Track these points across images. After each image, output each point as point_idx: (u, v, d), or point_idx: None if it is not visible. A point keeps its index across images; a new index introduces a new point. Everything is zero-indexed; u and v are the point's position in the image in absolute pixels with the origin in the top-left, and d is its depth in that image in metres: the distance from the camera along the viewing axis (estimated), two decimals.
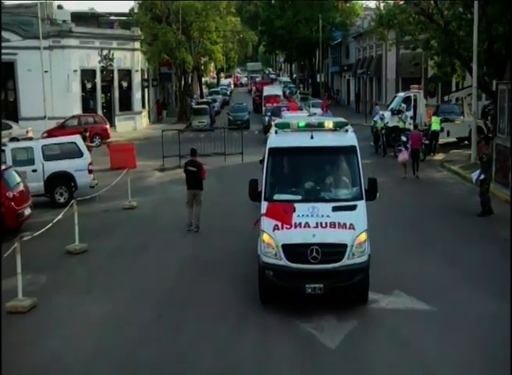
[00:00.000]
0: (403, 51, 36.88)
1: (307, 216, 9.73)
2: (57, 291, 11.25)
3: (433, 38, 27.45)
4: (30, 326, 9.79)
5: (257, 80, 76.36)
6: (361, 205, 10.12)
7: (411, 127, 25.57)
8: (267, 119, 33.71)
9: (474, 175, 16.56)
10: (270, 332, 9.31)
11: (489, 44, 24.45)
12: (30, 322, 9.93)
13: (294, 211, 9.74)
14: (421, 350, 8.64)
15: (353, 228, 9.65)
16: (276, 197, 10.33)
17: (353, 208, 10.03)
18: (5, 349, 8.58)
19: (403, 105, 28.84)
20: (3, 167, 15.36)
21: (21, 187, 15.33)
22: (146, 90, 46.04)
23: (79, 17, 42.55)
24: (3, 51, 35.27)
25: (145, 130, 41.56)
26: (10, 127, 31.77)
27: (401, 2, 28.66)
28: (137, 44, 43.19)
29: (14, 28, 35.75)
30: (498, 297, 10.23)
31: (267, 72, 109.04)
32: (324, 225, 9.63)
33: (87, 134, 26.77)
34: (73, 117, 34.35)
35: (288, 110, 29.48)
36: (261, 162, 13.28)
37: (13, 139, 27.64)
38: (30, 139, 25.41)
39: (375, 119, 29.88)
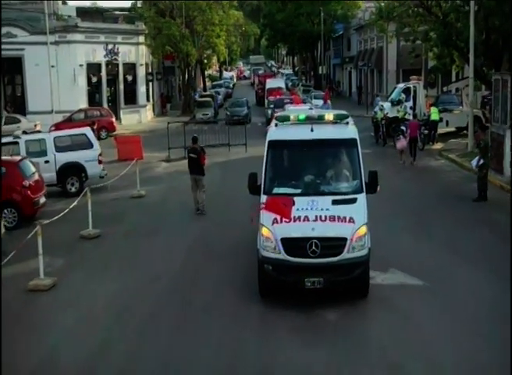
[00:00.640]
0: (404, 43, 37.39)
1: (307, 209, 9.65)
2: (74, 272, 12.02)
3: (432, 30, 28.03)
4: (51, 302, 10.57)
5: (260, 72, 76.84)
6: (361, 198, 10.03)
7: (411, 118, 26.20)
8: (270, 111, 34.01)
9: (474, 161, 17.18)
10: (273, 304, 9.96)
11: (487, 36, 25.06)
12: (51, 299, 10.71)
13: (293, 204, 9.64)
14: (413, 317, 9.43)
15: (353, 222, 9.56)
16: (276, 190, 10.25)
17: (353, 201, 9.95)
18: (29, 324, 9.37)
19: (402, 95, 29.38)
20: (19, 158, 16.14)
21: (36, 177, 16.09)
22: (150, 83, 46.68)
23: (84, 12, 43.21)
24: (11, 46, 36.16)
25: (150, 123, 42.26)
26: (19, 121, 32.54)
27: None
28: (142, 39, 43.83)
29: (21, 24, 36.45)
30: (489, 273, 11.04)
31: (269, 64, 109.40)
32: (323, 218, 9.53)
33: (95, 127, 27.45)
34: (80, 110, 35.06)
35: (291, 103, 30.01)
36: None
37: (22, 133, 28.32)
38: (39, 132, 26.12)
39: (375, 109, 30.52)
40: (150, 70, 46.89)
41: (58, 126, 31.69)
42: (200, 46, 47.96)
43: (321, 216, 9.57)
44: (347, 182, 10.61)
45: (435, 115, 26.78)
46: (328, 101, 35.85)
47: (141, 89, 43.75)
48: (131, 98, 42.98)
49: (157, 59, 47.97)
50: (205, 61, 57.88)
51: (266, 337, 8.88)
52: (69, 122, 32.61)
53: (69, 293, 10.94)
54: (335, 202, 9.79)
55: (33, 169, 16.19)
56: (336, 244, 9.49)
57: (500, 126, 18.72)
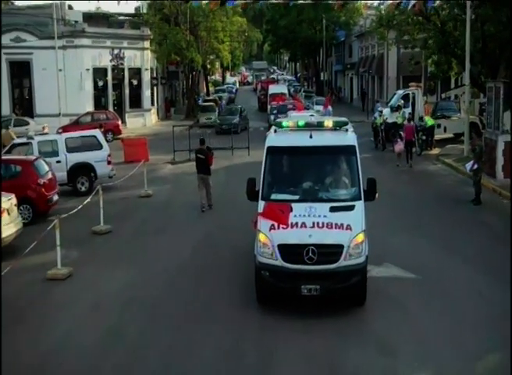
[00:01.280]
0: (404, 50, 38.22)
1: (304, 216, 9.62)
2: (88, 264, 12.78)
3: (430, 38, 28.87)
4: (68, 290, 11.39)
5: (263, 78, 77.70)
6: (359, 205, 10.01)
7: (405, 122, 26.94)
8: (272, 117, 34.19)
9: (468, 165, 17.91)
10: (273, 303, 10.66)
11: (483, 44, 25.84)
12: (68, 287, 11.51)
13: (291, 211, 9.66)
14: (406, 305, 10.20)
15: (351, 229, 9.54)
16: (274, 196, 10.24)
17: (351, 208, 9.93)
18: (51, 308, 10.16)
19: (401, 101, 30.15)
20: (34, 157, 16.94)
21: (50, 175, 16.88)
22: (155, 88, 47.61)
23: (90, 17, 44.15)
24: (20, 51, 37.16)
25: (154, 127, 43.10)
26: (27, 123, 33.44)
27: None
28: (147, 44, 44.70)
29: (30, 29, 37.40)
30: (478, 267, 11.83)
31: (271, 70, 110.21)
32: (320, 225, 9.51)
33: (102, 130, 28.22)
34: (87, 114, 35.92)
35: (294, 110, 30.59)
36: None
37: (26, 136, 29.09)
38: (46, 134, 26.88)
39: (375, 115, 31.31)
40: (154, 75, 47.79)
41: (65, 129, 32.44)
42: (204, 52, 48.81)
43: (318, 223, 9.55)
44: (345, 189, 10.63)
45: (430, 121, 27.52)
46: (329, 107, 36.59)
47: (146, 93, 44.62)
48: (136, 102, 43.87)
49: (161, 64, 48.80)
50: (209, 66, 58.70)
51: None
52: (75, 125, 33.39)
53: (85, 282, 11.74)
54: (332, 209, 9.78)
55: (47, 168, 16.99)
56: (332, 252, 9.47)
57: (493, 132, 19.54)
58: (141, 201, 19.16)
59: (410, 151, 23.82)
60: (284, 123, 11.13)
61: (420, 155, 26.04)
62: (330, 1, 24.54)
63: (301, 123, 10.97)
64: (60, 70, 38.11)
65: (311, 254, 9.35)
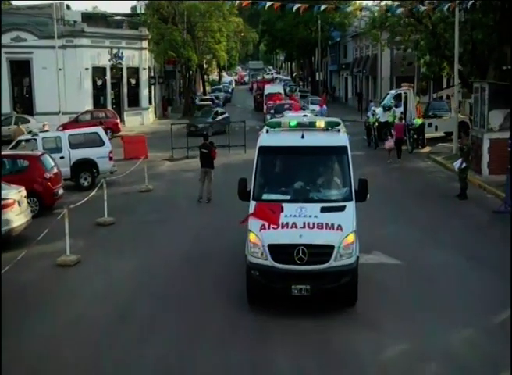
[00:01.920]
0: (397, 51, 39.03)
1: (295, 216, 9.62)
2: (94, 252, 13.58)
3: (422, 39, 29.71)
4: (78, 275, 12.19)
5: (259, 78, 78.47)
6: (350, 206, 10.03)
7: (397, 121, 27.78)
8: (269, 117, 34.19)
9: (456, 163, 18.75)
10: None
11: (473, 46, 26.68)
12: (77, 272, 12.31)
13: (282, 211, 9.67)
14: (391, 288, 11.06)
15: (341, 229, 9.55)
16: (265, 197, 10.25)
17: (342, 209, 9.94)
18: (63, 291, 10.95)
19: (392, 101, 30.97)
20: (40, 152, 17.70)
21: (55, 170, 17.64)
22: (152, 87, 48.34)
23: (88, 17, 44.93)
24: (20, 50, 37.83)
25: (152, 125, 43.84)
26: (28, 121, 34.12)
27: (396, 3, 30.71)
28: (145, 44, 45.43)
29: (30, 28, 38.06)
30: (459, 255, 12.71)
31: (267, 70, 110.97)
32: (311, 226, 9.51)
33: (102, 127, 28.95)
34: (86, 112, 36.62)
35: (291, 110, 31.21)
36: None
37: (30, 132, 29.80)
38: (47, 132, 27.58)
39: (368, 114, 32.15)
40: (152, 74, 48.49)
41: (65, 127, 33.16)
42: (200, 51, 49.56)
43: (309, 223, 9.55)
44: (337, 189, 10.62)
45: (418, 121, 28.26)
46: (324, 106, 37.46)
47: (144, 92, 45.34)
48: (134, 101, 44.60)
49: (159, 64, 49.54)
50: (205, 66, 59.42)
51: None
52: (75, 123, 33.99)
53: (93, 267, 12.54)
54: (323, 210, 9.78)
55: (52, 163, 17.74)
56: (323, 252, 9.49)
57: (479, 130, 20.40)
58: (142, 196, 19.94)
59: (400, 148, 24.90)
60: (276, 123, 11.31)
61: (411, 152, 26.95)
62: (323, 6, 25.25)
63: (293, 123, 11.02)
64: (60, 69, 38.72)
65: (301, 254, 9.38)
